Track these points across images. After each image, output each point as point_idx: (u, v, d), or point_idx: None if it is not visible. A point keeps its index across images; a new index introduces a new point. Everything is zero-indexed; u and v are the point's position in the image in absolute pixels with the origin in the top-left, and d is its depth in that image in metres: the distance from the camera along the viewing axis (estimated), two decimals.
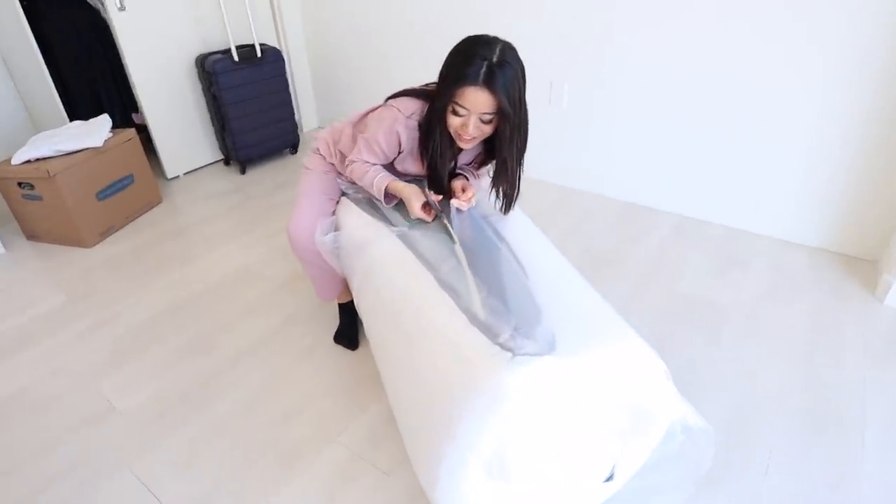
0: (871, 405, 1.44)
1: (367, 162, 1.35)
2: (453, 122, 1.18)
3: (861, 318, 1.74)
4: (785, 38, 1.86)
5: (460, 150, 1.31)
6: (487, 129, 1.18)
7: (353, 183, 1.45)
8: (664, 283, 1.94)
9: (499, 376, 0.90)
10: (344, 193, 1.50)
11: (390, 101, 1.32)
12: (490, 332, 0.97)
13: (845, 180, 1.95)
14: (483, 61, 1.07)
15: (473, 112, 1.13)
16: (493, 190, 1.34)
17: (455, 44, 1.16)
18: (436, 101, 1.20)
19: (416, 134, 1.29)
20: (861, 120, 1.84)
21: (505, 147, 1.22)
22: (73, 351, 1.80)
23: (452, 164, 1.36)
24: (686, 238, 2.22)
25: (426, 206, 1.28)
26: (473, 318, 1.01)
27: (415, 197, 1.27)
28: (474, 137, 1.20)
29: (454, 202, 1.28)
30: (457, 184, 1.34)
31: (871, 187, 1.91)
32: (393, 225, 1.31)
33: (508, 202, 1.34)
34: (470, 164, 1.45)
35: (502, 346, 0.94)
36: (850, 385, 1.50)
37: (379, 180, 1.31)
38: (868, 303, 1.80)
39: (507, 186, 1.30)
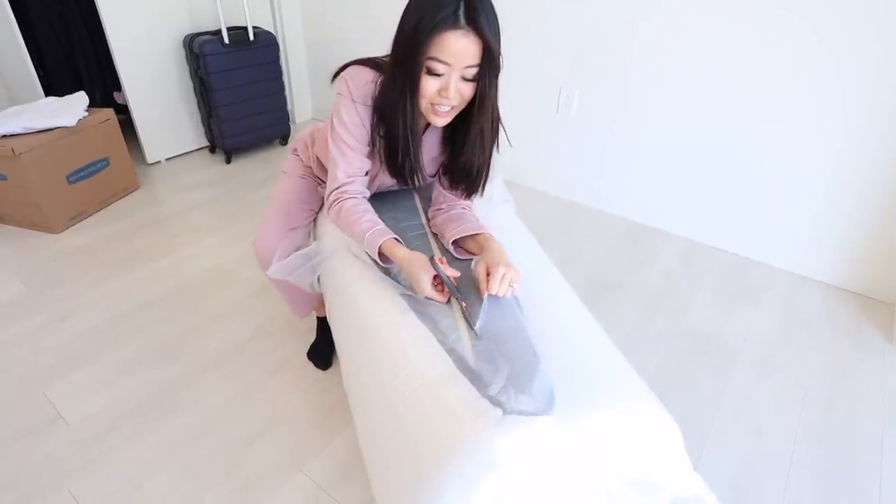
0: (888, 469, 1.31)
1: (356, 198, 1.08)
2: (429, 87, 0.94)
3: (879, 368, 1.61)
4: (811, 65, 1.73)
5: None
6: (468, 93, 0.95)
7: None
8: (670, 316, 1.81)
9: (488, 439, 0.75)
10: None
11: (340, 74, 1.07)
12: (479, 382, 0.82)
13: (865, 216, 1.82)
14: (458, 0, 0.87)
15: (456, 66, 0.91)
16: (454, 173, 1.10)
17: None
18: (397, 69, 0.96)
19: (370, 112, 1.04)
20: (885, 157, 1.71)
21: (486, 105, 0.98)
22: (22, 348, 1.64)
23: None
24: (695, 265, 2.09)
25: (437, 281, 0.97)
26: (460, 361, 0.87)
27: (422, 270, 0.95)
28: (452, 108, 0.98)
29: (489, 292, 0.93)
30: (480, 268, 0.97)
31: (891, 226, 1.78)
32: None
33: (478, 181, 1.10)
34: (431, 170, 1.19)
35: (491, 401, 0.79)
36: (867, 446, 1.37)
37: (372, 236, 1.02)
38: (886, 352, 1.66)
39: (483, 159, 1.07)
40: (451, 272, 0.97)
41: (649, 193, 2.29)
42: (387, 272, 1.06)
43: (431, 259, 0.97)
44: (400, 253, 1.00)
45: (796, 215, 1.96)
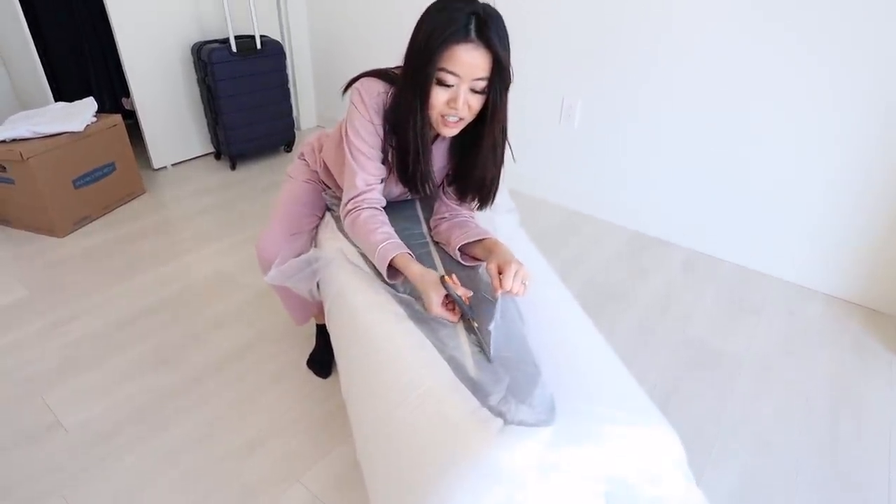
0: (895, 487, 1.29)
1: (373, 209, 1.08)
2: (439, 98, 0.96)
3: (883, 381, 1.59)
4: (812, 75, 1.73)
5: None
6: (476, 105, 0.98)
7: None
8: (672, 326, 1.80)
9: (489, 450, 0.75)
10: (328, 209, 1.34)
11: (353, 85, 1.08)
12: (479, 391, 0.82)
13: (868, 227, 1.81)
14: (470, 14, 0.89)
15: (465, 79, 0.93)
16: (464, 184, 1.12)
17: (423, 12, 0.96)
18: (408, 80, 0.98)
19: (381, 123, 1.06)
20: (887, 168, 1.71)
21: (498, 117, 1.01)
22: (24, 353, 1.64)
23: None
24: (697, 275, 2.08)
25: (448, 301, 0.96)
26: (459, 370, 0.86)
27: (432, 290, 0.94)
28: (461, 120, 0.99)
29: (501, 293, 0.91)
30: (491, 267, 0.96)
31: (894, 237, 1.78)
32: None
33: (491, 192, 1.13)
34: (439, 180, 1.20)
35: (492, 411, 0.79)
36: (873, 462, 1.35)
37: (384, 249, 1.01)
38: (891, 364, 1.65)
39: (495, 171, 1.09)
40: (462, 291, 0.94)
41: (651, 203, 2.29)
42: (388, 285, 1.05)
43: (442, 278, 0.95)
44: (413, 269, 0.99)
45: (799, 226, 1.95)
